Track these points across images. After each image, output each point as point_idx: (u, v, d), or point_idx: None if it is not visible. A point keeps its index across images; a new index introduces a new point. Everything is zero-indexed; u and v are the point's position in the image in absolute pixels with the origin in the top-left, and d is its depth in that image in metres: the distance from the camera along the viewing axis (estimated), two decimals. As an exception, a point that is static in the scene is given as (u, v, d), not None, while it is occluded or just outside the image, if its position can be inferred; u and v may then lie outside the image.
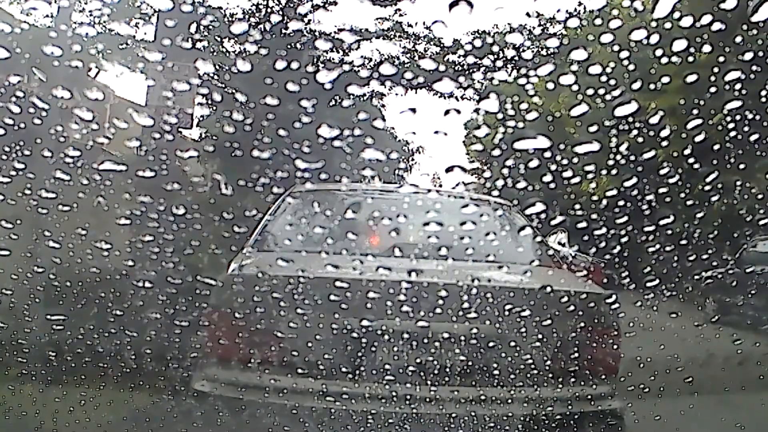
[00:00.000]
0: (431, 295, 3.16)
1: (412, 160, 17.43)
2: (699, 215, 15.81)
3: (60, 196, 5.78)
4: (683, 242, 16.19)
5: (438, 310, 3.14)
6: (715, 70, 13.99)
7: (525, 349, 3.23)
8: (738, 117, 14.42)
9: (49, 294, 5.13)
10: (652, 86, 16.89)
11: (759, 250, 12.22)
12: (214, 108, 14.23)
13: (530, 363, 3.21)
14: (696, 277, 13.76)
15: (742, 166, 14.87)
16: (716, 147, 15.27)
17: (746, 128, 14.52)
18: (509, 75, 14.46)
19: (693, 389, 4.59)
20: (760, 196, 13.90)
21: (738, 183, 14.81)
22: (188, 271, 5.69)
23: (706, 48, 15.09)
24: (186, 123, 5.91)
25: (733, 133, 14.81)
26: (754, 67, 14.02)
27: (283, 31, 12.39)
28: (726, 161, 15.20)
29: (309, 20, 12.86)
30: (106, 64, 12.27)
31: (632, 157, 17.94)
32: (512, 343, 3.19)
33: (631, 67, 17.36)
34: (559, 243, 18.45)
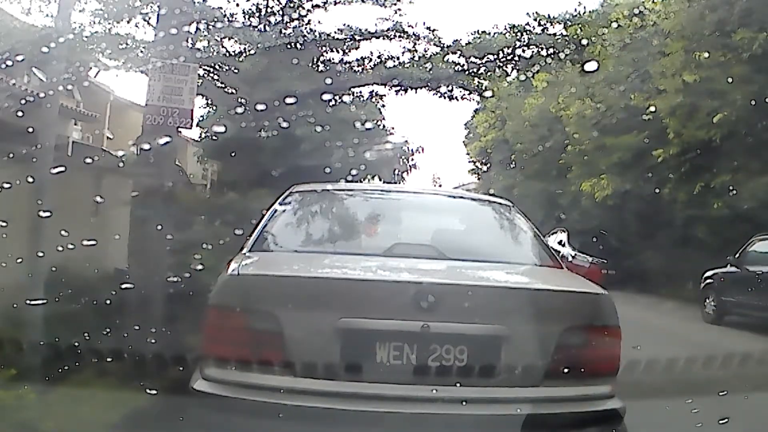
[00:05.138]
0: (431, 295, 3.16)
1: (412, 160, 17.40)
2: (699, 215, 15.84)
3: (59, 195, 5.78)
4: (683, 242, 16.19)
5: (438, 310, 3.14)
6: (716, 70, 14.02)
7: (525, 349, 3.23)
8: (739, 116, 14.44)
9: (49, 294, 5.13)
10: (652, 86, 16.92)
11: (759, 250, 12.20)
12: (214, 108, 14.23)
13: (530, 363, 3.21)
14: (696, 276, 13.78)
15: (742, 167, 14.88)
16: (716, 147, 15.30)
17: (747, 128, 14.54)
18: (509, 75, 14.43)
19: (693, 389, 4.60)
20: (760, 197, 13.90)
21: (738, 183, 14.81)
22: (188, 272, 5.70)
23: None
24: (186, 123, 5.90)
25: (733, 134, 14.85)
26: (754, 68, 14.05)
27: (283, 31, 12.37)
28: (726, 161, 15.21)
29: (309, 20, 12.84)
30: (106, 63, 12.26)
31: (632, 157, 17.96)
32: (512, 343, 3.19)
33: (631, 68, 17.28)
34: (559, 243, 18.49)
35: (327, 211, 4.61)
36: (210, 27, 11.75)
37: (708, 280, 13.09)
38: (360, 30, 12.81)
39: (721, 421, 3.76)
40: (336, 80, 13.03)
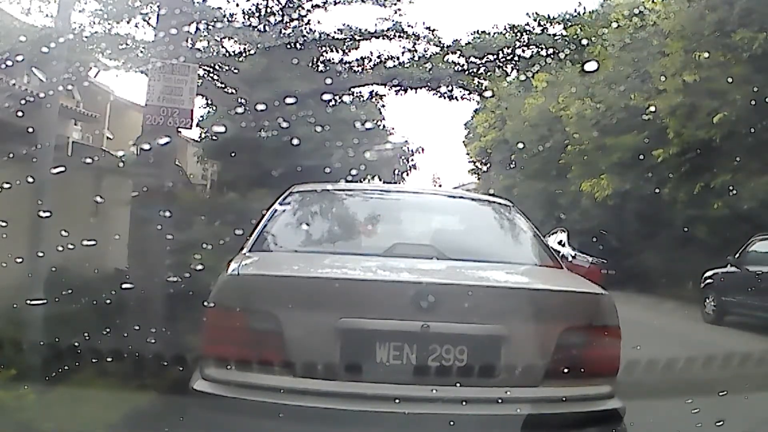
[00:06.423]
0: (431, 295, 3.16)
1: (412, 160, 17.40)
2: (699, 215, 15.84)
3: (59, 195, 5.78)
4: (683, 242, 16.18)
5: (438, 310, 3.14)
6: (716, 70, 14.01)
7: (525, 349, 3.23)
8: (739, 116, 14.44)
9: (49, 294, 5.13)
10: (652, 86, 16.91)
11: (759, 250, 12.21)
12: (214, 108, 14.23)
13: (530, 363, 3.21)
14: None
15: (742, 167, 14.88)
16: (716, 147, 15.30)
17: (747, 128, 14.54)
18: (509, 75, 14.43)
19: (693, 389, 4.60)
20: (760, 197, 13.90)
21: (738, 183, 14.81)
22: (188, 272, 5.70)
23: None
24: (186, 123, 5.89)
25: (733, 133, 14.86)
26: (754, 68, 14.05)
27: (283, 31, 12.36)
28: (726, 161, 15.21)
29: (309, 20, 12.84)
30: (106, 63, 12.27)
31: (632, 157, 17.96)
32: (512, 343, 3.19)
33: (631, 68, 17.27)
34: (559, 243, 18.50)
35: (327, 211, 4.62)
36: (210, 27, 11.75)
37: (708, 280, 13.09)
38: (360, 30, 12.80)
39: (717, 423, 3.76)
40: (336, 80, 13.02)
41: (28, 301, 4.96)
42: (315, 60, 13.20)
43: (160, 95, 5.82)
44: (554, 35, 12.74)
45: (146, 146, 5.93)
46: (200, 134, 15.28)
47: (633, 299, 12.67)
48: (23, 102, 8.62)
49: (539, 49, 12.87)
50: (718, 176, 15.41)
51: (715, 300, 12.76)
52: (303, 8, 12.64)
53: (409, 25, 12.85)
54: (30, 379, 4.20)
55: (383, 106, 16.39)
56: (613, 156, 18.61)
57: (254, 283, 3.36)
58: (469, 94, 13.99)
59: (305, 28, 12.76)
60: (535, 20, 12.70)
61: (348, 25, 12.83)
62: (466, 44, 12.72)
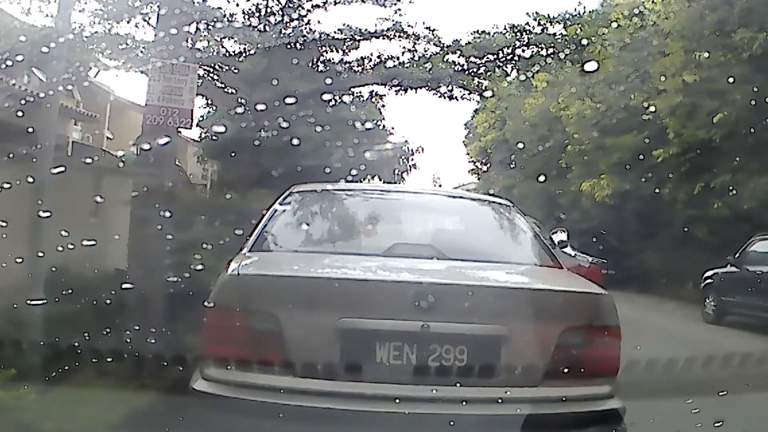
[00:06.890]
0: (431, 295, 3.16)
1: (412, 160, 17.39)
2: (699, 215, 15.85)
3: (59, 195, 5.78)
4: (683, 242, 16.19)
5: (438, 310, 3.14)
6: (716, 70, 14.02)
7: (525, 349, 3.23)
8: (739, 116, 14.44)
9: (49, 294, 5.13)
10: (652, 86, 16.92)
11: (759, 250, 12.21)
12: (214, 108, 14.22)
13: (530, 363, 3.21)
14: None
15: (742, 167, 14.88)
16: (716, 147, 15.31)
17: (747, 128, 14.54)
18: (509, 75, 14.43)
19: (693, 389, 4.60)
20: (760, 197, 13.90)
21: (738, 183, 14.81)
22: (188, 272, 5.70)
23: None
24: (186, 123, 5.90)
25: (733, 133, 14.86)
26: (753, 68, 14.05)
27: (283, 31, 12.36)
28: (726, 161, 15.22)
29: (309, 20, 12.84)
30: (106, 63, 12.27)
31: (632, 157, 17.96)
32: (512, 343, 3.19)
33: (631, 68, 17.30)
34: (559, 243, 18.47)
35: (327, 211, 4.61)
36: (210, 27, 11.75)
37: (708, 280, 13.09)
38: (360, 30, 12.80)
39: (716, 424, 3.76)
40: (336, 80, 13.02)
41: (28, 301, 4.96)
42: (315, 60, 13.19)
43: (160, 95, 5.82)
44: (554, 35, 12.73)
45: (146, 146, 5.94)
46: (200, 134, 15.29)
47: (633, 299, 12.68)
48: (23, 102, 8.63)
49: (539, 49, 12.87)
50: (718, 176, 15.42)
51: (715, 300, 12.76)
52: (303, 8, 12.63)
53: (409, 25, 12.85)
54: (30, 379, 4.20)
55: (383, 106, 16.40)
56: (613, 156, 18.62)
57: (254, 283, 3.36)
58: (469, 94, 13.99)
59: (305, 28, 12.75)
60: (535, 20, 12.69)
61: (348, 25, 12.83)
62: (466, 44, 12.72)
